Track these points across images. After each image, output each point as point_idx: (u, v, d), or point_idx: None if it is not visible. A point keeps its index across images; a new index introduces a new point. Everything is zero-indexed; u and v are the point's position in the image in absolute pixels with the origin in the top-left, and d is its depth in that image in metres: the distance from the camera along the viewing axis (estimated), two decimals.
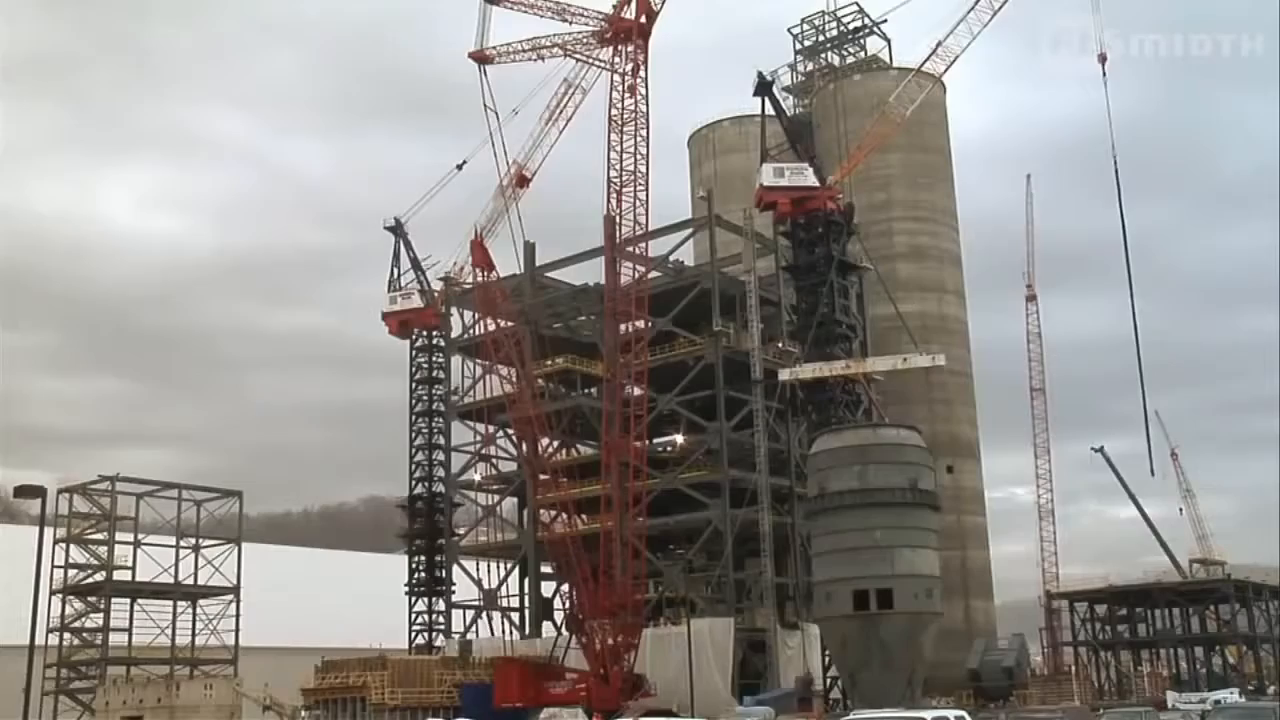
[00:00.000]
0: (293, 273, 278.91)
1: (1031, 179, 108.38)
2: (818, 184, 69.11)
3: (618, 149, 57.41)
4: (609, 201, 57.92)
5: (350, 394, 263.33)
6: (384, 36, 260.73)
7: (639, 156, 57.41)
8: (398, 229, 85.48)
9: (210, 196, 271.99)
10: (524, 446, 65.76)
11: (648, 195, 57.80)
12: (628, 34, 58.07)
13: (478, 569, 79.81)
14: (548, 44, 63.55)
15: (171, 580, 72.96)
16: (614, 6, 59.43)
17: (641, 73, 57.85)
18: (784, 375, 69.12)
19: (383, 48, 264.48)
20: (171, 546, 74.11)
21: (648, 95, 57.90)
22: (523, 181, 69.53)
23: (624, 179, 57.35)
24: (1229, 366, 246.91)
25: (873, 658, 54.20)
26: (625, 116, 57.35)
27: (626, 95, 57.48)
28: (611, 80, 58.13)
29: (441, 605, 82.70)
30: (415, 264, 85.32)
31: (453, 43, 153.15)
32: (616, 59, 58.43)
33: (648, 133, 57.74)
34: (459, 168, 78.14)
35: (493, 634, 78.60)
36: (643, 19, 57.97)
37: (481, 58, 64.53)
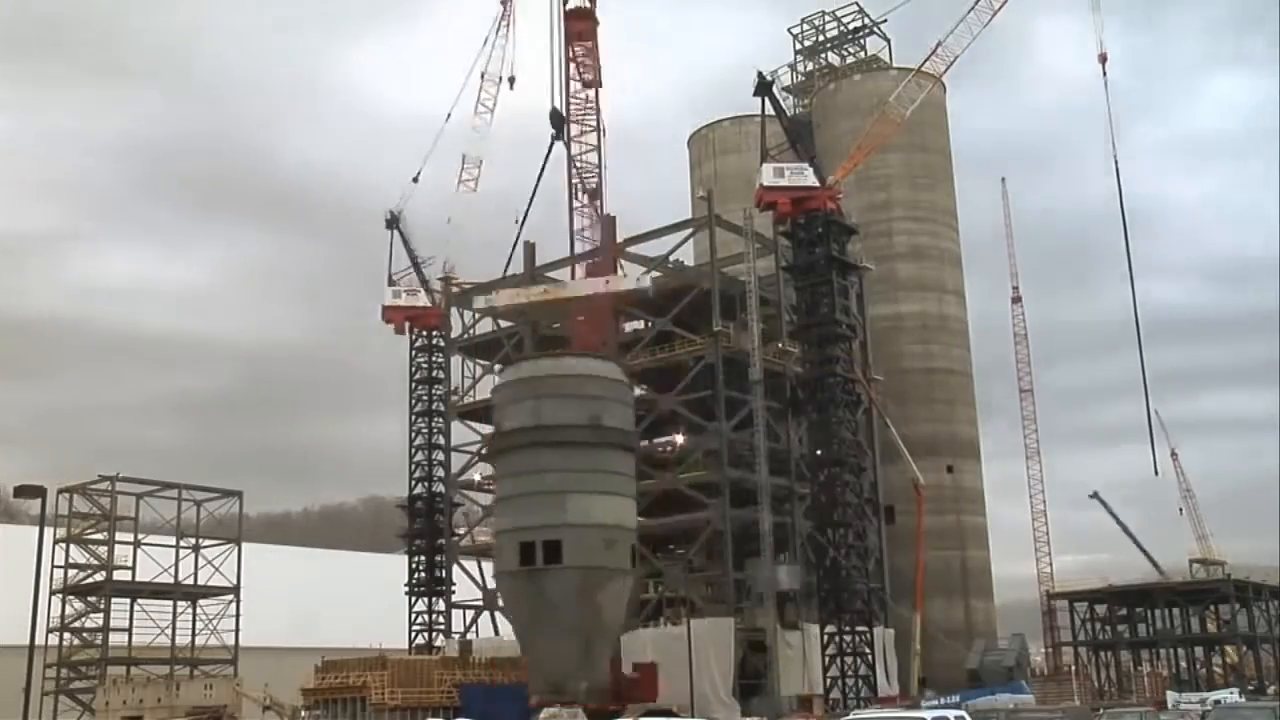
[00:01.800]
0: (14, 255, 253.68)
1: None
2: (818, 184, 69.04)
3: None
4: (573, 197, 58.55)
5: (159, 385, 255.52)
6: None
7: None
8: (395, 223, 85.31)
9: None
10: None
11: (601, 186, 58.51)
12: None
13: (478, 569, 79.80)
14: None
15: (171, 580, 73.07)
16: None
17: (589, 60, 58.61)
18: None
19: None
20: (171, 546, 74.24)
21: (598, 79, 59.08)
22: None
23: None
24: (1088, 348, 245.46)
25: (541, 618, 48.28)
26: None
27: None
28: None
29: (441, 605, 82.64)
30: (414, 262, 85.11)
31: None
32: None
33: (598, 121, 58.33)
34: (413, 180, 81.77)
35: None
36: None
37: None
